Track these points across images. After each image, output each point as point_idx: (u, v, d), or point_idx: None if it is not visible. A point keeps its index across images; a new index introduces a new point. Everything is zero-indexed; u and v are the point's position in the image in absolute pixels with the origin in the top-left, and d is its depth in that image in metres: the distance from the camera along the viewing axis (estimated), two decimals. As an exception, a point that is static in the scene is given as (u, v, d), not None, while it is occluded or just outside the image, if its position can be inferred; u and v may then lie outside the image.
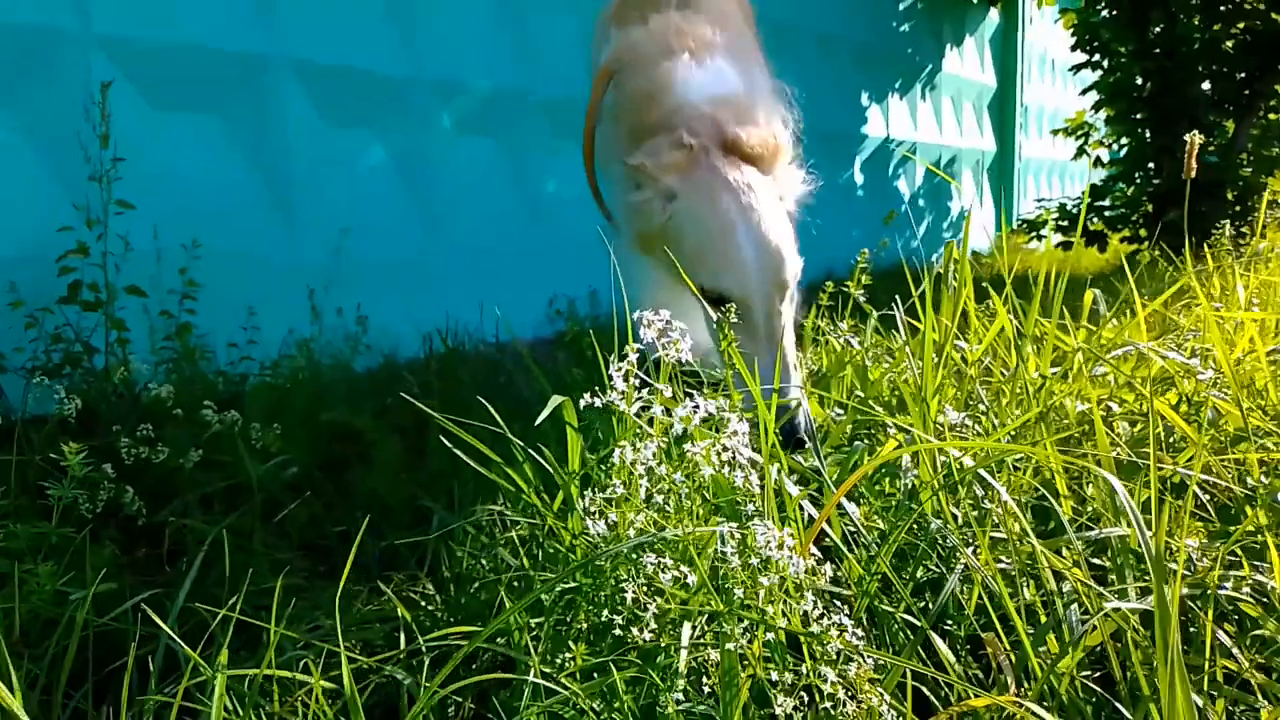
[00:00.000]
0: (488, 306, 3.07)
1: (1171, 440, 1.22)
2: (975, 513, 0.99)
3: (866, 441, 1.38)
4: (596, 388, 0.73)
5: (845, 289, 1.86)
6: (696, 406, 0.70)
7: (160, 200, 2.29)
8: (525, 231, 3.66)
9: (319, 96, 2.92)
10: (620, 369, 0.73)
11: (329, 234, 2.75)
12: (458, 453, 1.14)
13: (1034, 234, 6.20)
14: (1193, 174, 1.50)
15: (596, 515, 0.72)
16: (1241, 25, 5.40)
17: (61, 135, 2.18)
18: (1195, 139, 1.48)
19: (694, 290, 1.42)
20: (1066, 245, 5.83)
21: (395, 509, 1.67)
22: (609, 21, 1.99)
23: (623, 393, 0.72)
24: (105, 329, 2.07)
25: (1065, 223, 5.86)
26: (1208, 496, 1.10)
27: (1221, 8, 5.30)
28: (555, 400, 0.93)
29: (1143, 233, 5.52)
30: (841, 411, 1.47)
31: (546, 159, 3.74)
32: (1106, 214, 5.72)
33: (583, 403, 0.74)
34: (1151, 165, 5.55)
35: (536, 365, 1.70)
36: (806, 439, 1.34)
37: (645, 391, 0.74)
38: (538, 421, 0.91)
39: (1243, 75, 5.37)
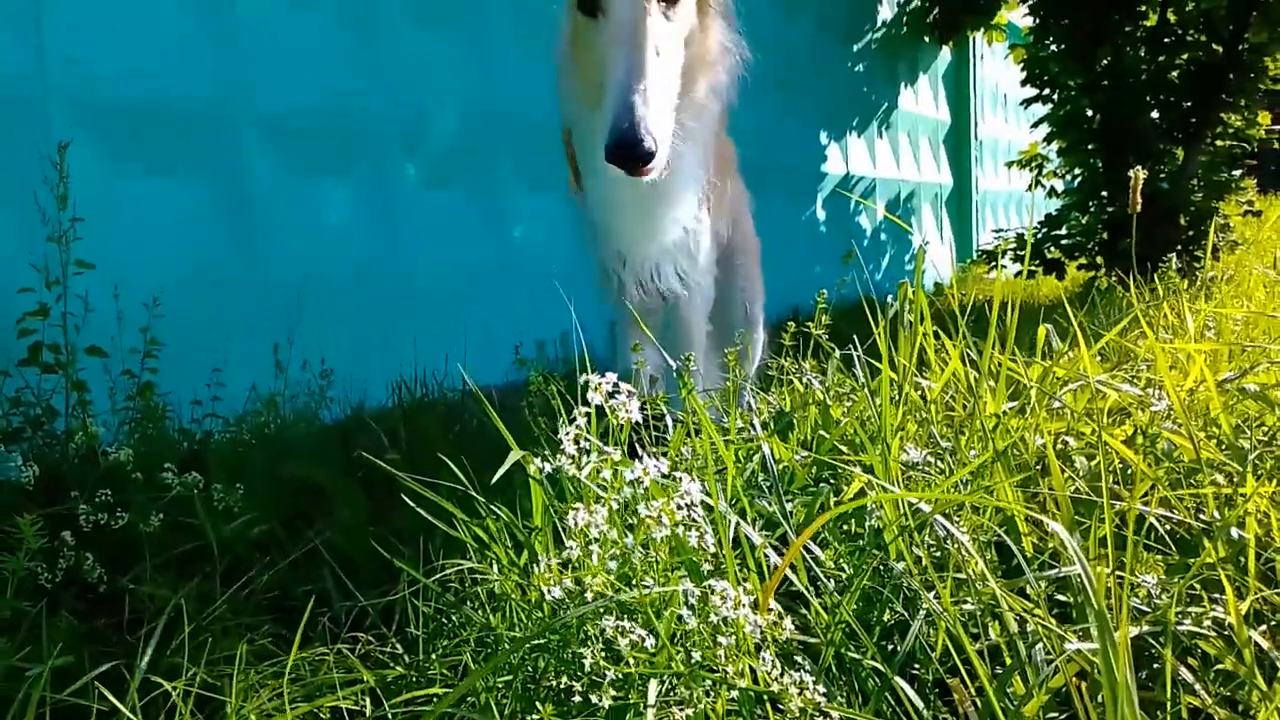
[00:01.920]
0: (458, 352, 3.06)
1: (1130, 473, 1.24)
2: (938, 554, 1.00)
3: (831, 483, 1.39)
4: (548, 452, 0.73)
5: (806, 329, 1.88)
6: (646, 469, 0.71)
7: (122, 258, 2.28)
8: (495, 277, 3.67)
9: (283, 148, 2.93)
10: (569, 433, 0.73)
11: (295, 286, 2.74)
12: (423, 514, 1.14)
13: (993, 264, 6.31)
14: (1138, 209, 1.54)
15: (553, 581, 0.73)
16: (1185, 56, 5.57)
17: (20, 195, 2.16)
18: (1139, 174, 1.52)
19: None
20: (1026, 274, 5.94)
21: (362, 566, 1.65)
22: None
23: (572, 457, 0.73)
24: (66, 391, 2.04)
25: (1023, 252, 5.98)
26: (1166, 528, 1.11)
27: (1165, 40, 5.47)
28: (514, 456, 0.93)
29: (1099, 260, 5.63)
30: (806, 452, 1.48)
31: (514, 205, 3.76)
32: (1063, 242, 5.84)
33: (532, 468, 0.74)
34: (1104, 194, 5.67)
35: (502, 414, 1.69)
36: (640, 146, 1.33)
37: (599, 452, 0.74)
38: (493, 480, 0.91)
39: (1189, 104, 5.52)
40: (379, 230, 3.25)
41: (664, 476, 0.72)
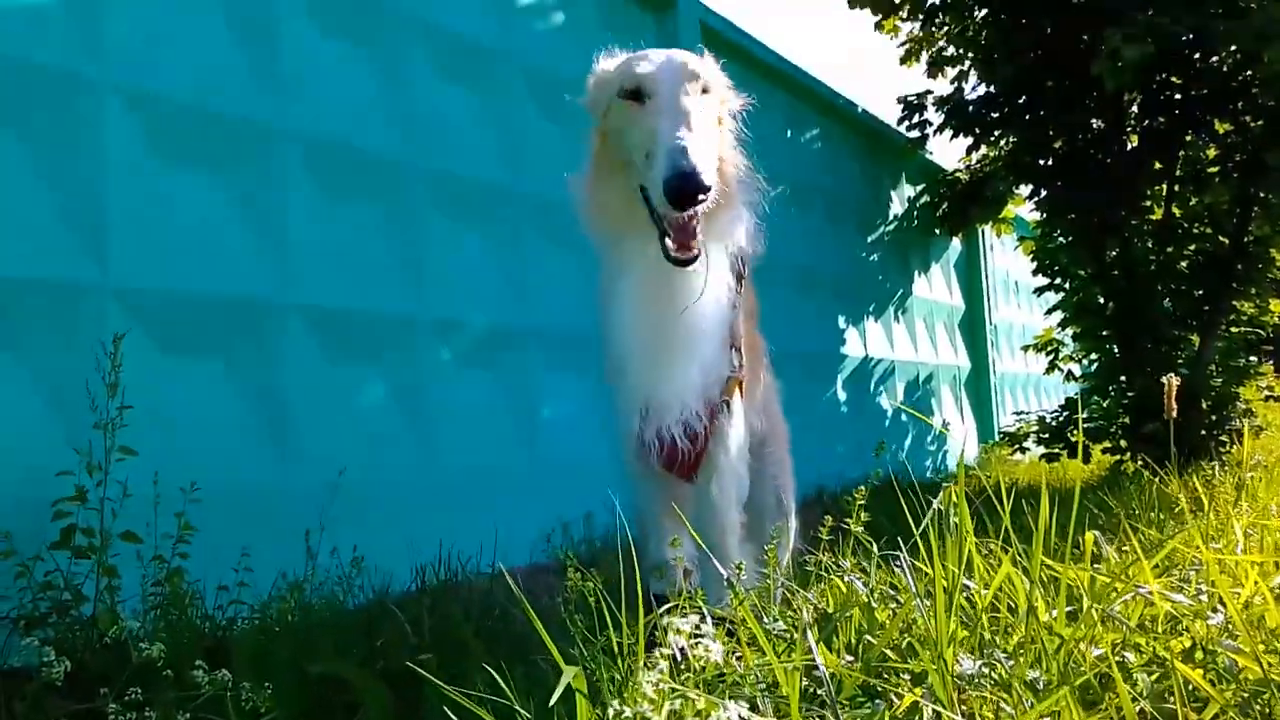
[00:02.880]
0: (485, 533, 3.04)
1: (1192, 688, 1.20)
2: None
3: (880, 692, 1.34)
4: (622, 701, 0.72)
5: (845, 525, 1.86)
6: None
7: (162, 444, 2.31)
8: (521, 458, 3.69)
9: (321, 336, 3.02)
10: (651, 680, 0.72)
11: (327, 472, 2.76)
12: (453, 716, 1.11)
13: (1016, 446, 6.29)
14: (1174, 414, 1.56)
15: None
16: (1193, 247, 5.71)
17: (71, 382, 2.21)
18: (1173, 382, 1.55)
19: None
20: (1051, 457, 5.90)
21: (388, 772, 1.59)
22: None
23: (653, 700, 0.71)
24: (97, 576, 2.03)
25: (1046, 435, 5.95)
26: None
27: (1173, 231, 5.63)
28: (567, 676, 0.91)
29: (1123, 443, 5.58)
30: (851, 657, 1.44)
31: (542, 388, 3.83)
32: (1086, 426, 5.82)
33: (611, 711, 0.73)
34: (1123, 378, 5.67)
35: (533, 599, 1.66)
36: (697, 176, 1.48)
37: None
38: (550, 701, 0.88)
39: (1200, 293, 5.59)
40: (409, 414, 3.30)
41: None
